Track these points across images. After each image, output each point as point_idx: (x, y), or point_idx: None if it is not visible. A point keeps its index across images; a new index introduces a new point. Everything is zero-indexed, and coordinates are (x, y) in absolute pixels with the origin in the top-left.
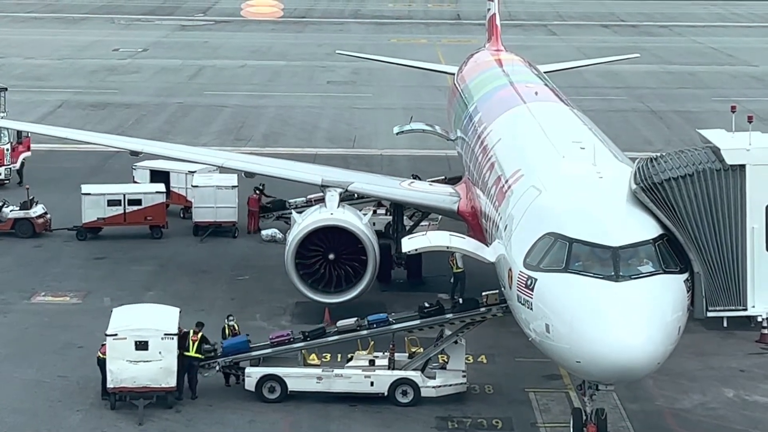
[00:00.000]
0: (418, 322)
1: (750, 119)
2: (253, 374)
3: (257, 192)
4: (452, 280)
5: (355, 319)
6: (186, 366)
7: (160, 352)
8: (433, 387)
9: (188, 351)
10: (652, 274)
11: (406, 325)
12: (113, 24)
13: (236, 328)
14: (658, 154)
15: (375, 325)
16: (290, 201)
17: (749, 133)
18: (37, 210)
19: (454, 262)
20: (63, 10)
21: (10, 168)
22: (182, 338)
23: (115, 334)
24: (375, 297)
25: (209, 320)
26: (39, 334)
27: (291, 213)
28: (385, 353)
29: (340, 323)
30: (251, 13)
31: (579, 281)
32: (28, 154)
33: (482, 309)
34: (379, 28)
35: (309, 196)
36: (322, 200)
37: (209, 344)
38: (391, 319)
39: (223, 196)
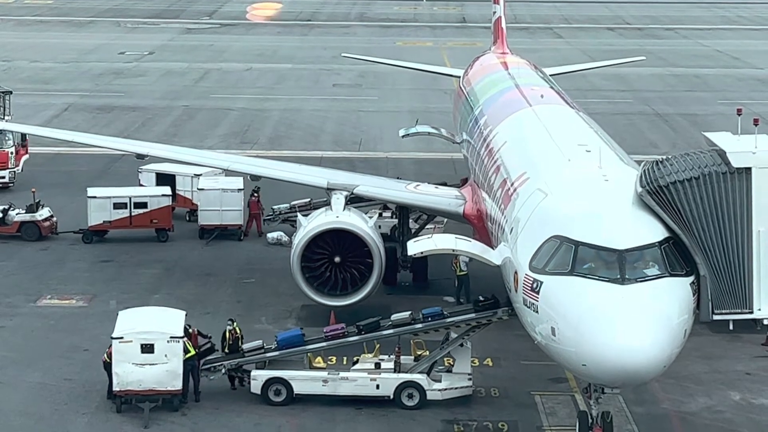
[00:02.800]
0: (473, 315)
1: (756, 122)
2: (258, 377)
3: (255, 195)
4: (456, 283)
5: (409, 312)
6: (189, 368)
7: (165, 355)
8: (439, 390)
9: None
10: (657, 277)
11: (460, 318)
12: (119, 27)
13: (238, 332)
14: (664, 157)
15: (429, 319)
16: (274, 207)
17: (755, 136)
18: (43, 213)
19: (458, 264)
20: (69, 13)
21: (14, 171)
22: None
23: (121, 337)
24: (381, 300)
25: (215, 323)
26: (45, 337)
27: (297, 215)
28: (391, 356)
29: (395, 317)
30: (257, 15)
31: (585, 284)
32: (27, 156)
33: None
34: (385, 31)
35: (293, 203)
36: (306, 206)
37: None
38: (445, 312)
39: (229, 199)
